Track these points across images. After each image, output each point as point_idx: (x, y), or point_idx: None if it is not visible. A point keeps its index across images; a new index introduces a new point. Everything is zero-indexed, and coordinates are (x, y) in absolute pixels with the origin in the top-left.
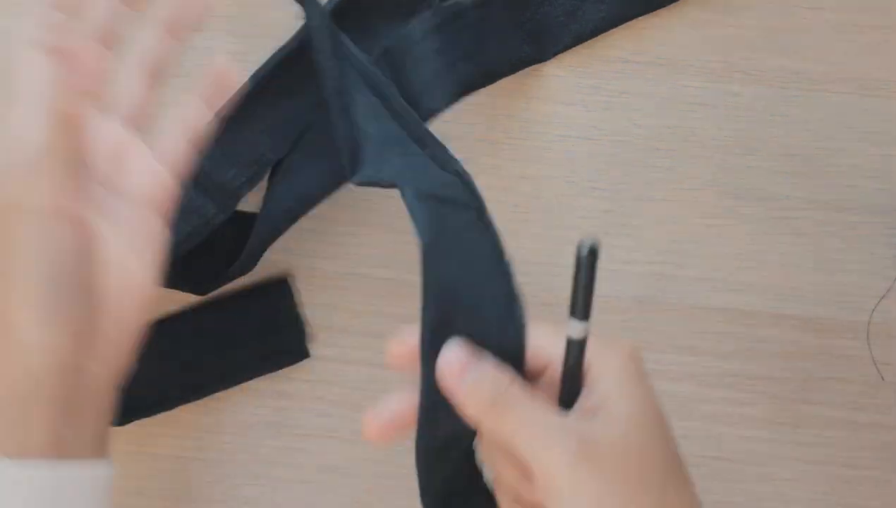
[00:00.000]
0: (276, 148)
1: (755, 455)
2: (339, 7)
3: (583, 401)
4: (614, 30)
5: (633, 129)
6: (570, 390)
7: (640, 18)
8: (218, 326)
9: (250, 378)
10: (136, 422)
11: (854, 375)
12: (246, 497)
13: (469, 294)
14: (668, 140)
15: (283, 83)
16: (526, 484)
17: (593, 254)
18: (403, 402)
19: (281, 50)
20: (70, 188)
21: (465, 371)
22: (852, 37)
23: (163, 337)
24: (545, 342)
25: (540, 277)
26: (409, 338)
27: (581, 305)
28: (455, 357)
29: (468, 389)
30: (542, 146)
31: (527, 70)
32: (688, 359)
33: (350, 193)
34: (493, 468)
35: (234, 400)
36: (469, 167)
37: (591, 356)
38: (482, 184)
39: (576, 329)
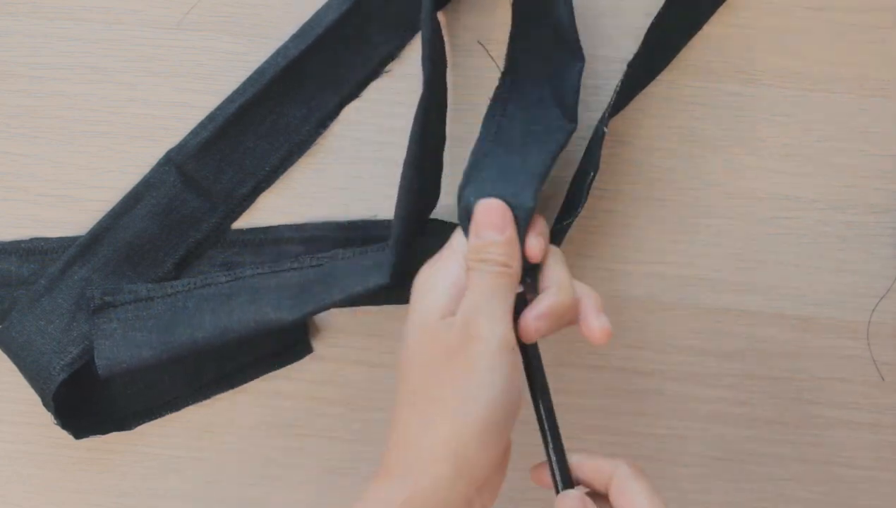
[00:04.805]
0: (276, 155)
1: (755, 455)
2: (340, 18)
3: None
4: (614, 31)
5: (634, 129)
6: None
7: (640, 18)
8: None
9: (252, 377)
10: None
11: (854, 375)
12: (246, 497)
13: None
14: (668, 140)
15: (284, 90)
16: None
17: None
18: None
19: (282, 55)
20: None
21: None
22: (852, 37)
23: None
24: (604, 466)
25: None
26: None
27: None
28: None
29: None
30: None
31: None
32: (688, 359)
33: (352, 192)
34: None
35: (234, 399)
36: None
37: (624, 497)
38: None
39: None
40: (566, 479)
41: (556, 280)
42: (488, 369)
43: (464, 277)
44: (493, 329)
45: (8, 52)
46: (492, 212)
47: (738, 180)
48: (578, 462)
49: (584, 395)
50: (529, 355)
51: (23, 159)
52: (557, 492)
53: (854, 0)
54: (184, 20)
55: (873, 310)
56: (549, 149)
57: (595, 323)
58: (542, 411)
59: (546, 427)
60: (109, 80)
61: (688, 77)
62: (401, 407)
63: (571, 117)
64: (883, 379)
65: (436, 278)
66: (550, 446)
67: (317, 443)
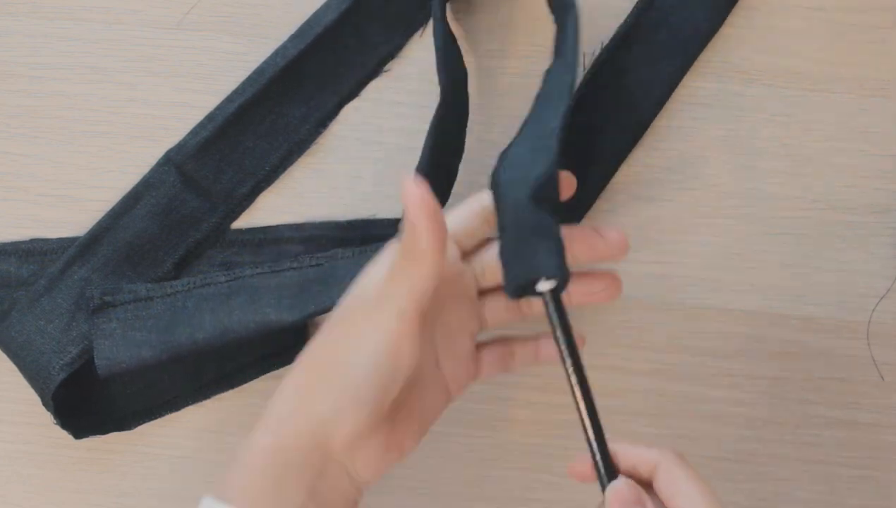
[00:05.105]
0: (275, 155)
1: (755, 455)
2: (339, 18)
3: None
4: (614, 31)
5: None
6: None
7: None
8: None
9: (252, 377)
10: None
11: (854, 375)
12: None
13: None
14: (669, 140)
15: (283, 89)
16: None
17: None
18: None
19: (281, 55)
20: (423, 311)
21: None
22: (852, 37)
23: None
24: (647, 455)
25: None
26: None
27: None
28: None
29: None
30: None
31: (526, 70)
32: (688, 359)
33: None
34: None
35: (234, 399)
36: (469, 167)
37: (673, 485)
38: (482, 184)
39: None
40: (611, 470)
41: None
42: (370, 330)
43: None
44: (394, 299)
45: (8, 52)
46: (413, 199)
47: (738, 180)
48: (620, 452)
49: None
50: (569, 346)
51: (23, 159)
52: (603, 485)
53: (854, 0)
54: (184, 20)
55: (873, 310)
56: (556, 106)
57: (609, 231)
58: (582, 402)
59: (586, 418)
60: (109, 79)
61: (688, 77)
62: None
63: (571, 67)
64: (883, 379)
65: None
66: (592, 436)
67: None
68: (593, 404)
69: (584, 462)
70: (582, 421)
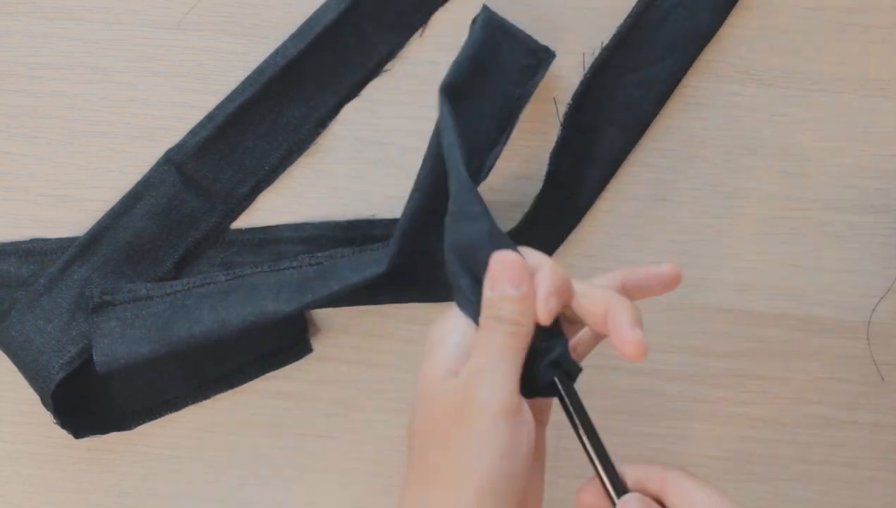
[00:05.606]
0: (275, 155)
1: (755, 455)
2: (339, 18)
3: None
4: (614, 31)
5: None
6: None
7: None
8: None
9: (252, 377)
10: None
11: (854, 375)
12: (246, 497)
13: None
14: (668, 140)
15: (283, 89)
16: None
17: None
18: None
19: (281, 55)
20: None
21: None
22: (852, 37)
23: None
24: (654, 471)
25: None
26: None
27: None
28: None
29: None
30: (543, 146)
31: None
32: (688, 359)
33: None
34: None
35: (234, 399)
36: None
37: (685, 496)
38: (482, 184)
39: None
40: (619, 489)
41: (539, 260)
42: (485, 435)
43: (471, 334)
44: (493, 393)
45: (8, 52)
46: (507, 265)
47: (738, 180)
48: (627, 472)
49: (584, 395)
50: (582, 418)
51: (23, 159)
52: (613, 505)
53: (854, 0)
54: (184, 20)
55: (873, 310)
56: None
57: (628, 334)
58: (580, 426)
59: (587, 441)
60: (109, 80)
61: (688, 77)
62: (407, 472)
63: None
64: (883, 379)
65: (443, 335)
66: (595, 457)
67: (317, 443)
68: (592, 427)
69: (589, 489)
70: (584, 447)
